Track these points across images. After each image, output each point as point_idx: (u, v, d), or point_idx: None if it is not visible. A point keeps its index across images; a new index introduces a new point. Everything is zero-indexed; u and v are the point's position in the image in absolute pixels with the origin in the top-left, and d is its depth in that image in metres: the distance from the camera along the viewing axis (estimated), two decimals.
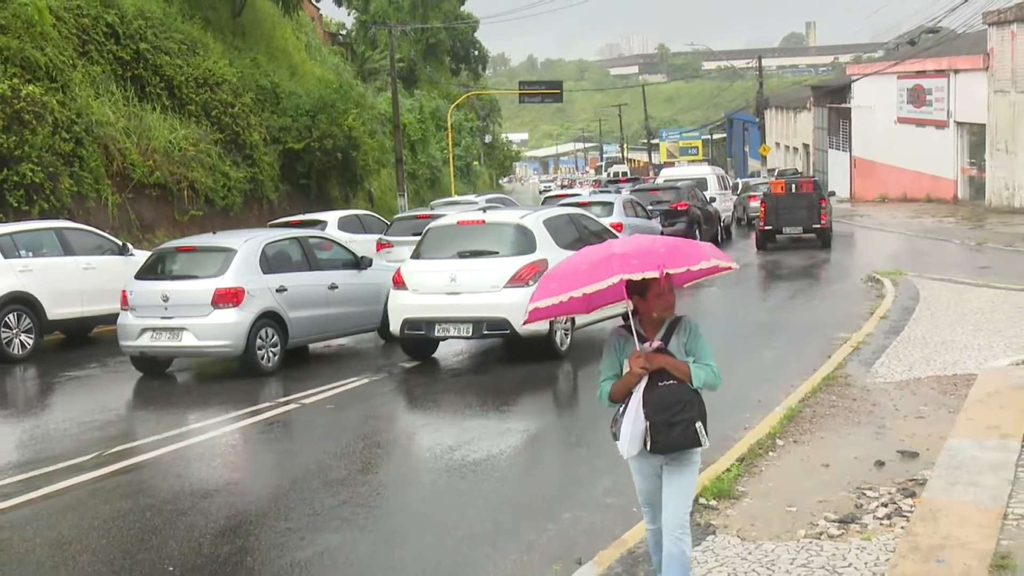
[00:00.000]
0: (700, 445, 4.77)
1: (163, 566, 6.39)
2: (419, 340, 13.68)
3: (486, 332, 13.13)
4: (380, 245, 20.00)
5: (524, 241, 13.55)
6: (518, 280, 12.82)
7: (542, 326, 12.62)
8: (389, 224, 23.11)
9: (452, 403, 11.36)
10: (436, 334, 13.33)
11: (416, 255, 14.17)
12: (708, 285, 20.25)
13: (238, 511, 7.54)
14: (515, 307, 11.98)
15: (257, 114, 33.59)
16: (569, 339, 13.55)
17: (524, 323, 5.11)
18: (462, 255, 13.72)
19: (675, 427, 4.65)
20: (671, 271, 4.43)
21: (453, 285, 13.13)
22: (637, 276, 4.42)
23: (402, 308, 13.46)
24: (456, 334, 13.27)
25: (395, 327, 13.51)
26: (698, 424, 4.72)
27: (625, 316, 4.83)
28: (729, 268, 4.74)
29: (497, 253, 13.59)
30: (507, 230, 14.02)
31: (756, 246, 29.09)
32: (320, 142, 34.58)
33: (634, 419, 4.62)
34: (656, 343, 4.71)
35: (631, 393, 4.69)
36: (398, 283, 13.71)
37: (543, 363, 12.90)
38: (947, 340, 12.45)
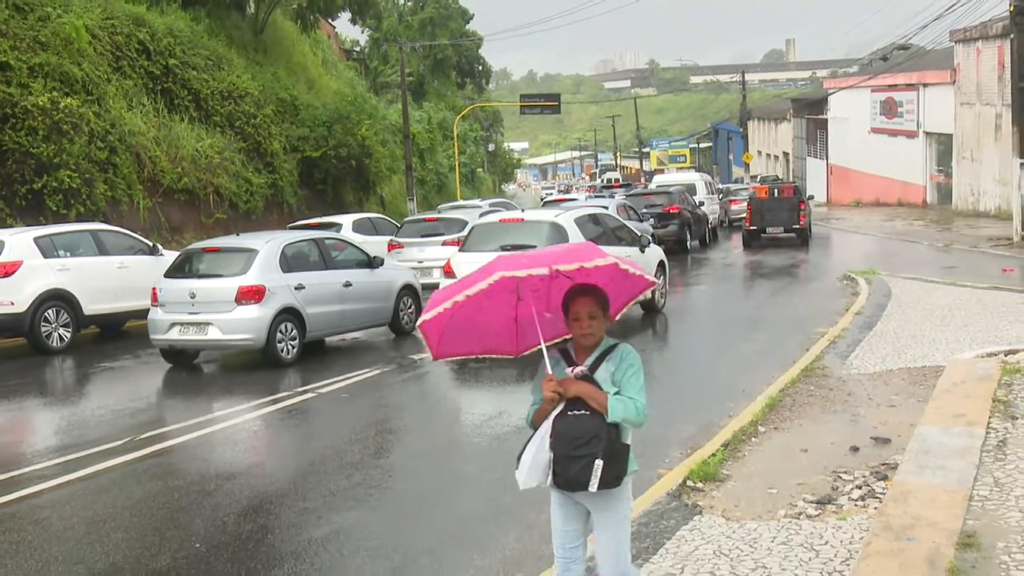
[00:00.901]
0: (609, 487, 3.98)
1: (190, 543, 6.40)
2: None
3: None
4: (391, 246, 20.02)
5: (558, 236, 14.03)
6: None
7: None
8: (399, 227, 23.11)
9: (459, 392, 11.38)
10: None
11: (463, 248, 14.83)
12: (695, 283, 20.23)
13: (259, 492, 7.55)
14: None
15: (277, 124, 33.61)
16: None
17: (418, 323, 4.23)
18: (504, 248, 13.95)
19: (575, 462, 3.92)
20: (561, 268, 3.87)
21: None
22: (522, 273, 3.88)
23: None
24: None
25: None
26: (598, 463, 3.90)
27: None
28: (651, 284, 4.24)
29: (535, 246, 13.43)
30: (543, 226, 14.62)
31: (743, 244, 29.51)
32: (336, 150, 34.63)
33: (537, 448, 3.99)
34: (580, 369, 4.07)
35: None
36: (448, 273, 14.19)
37: None
38: (917, 334, 12.45)
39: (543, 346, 4.08)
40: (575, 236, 14.10)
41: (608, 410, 3.94)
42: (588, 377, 4.04)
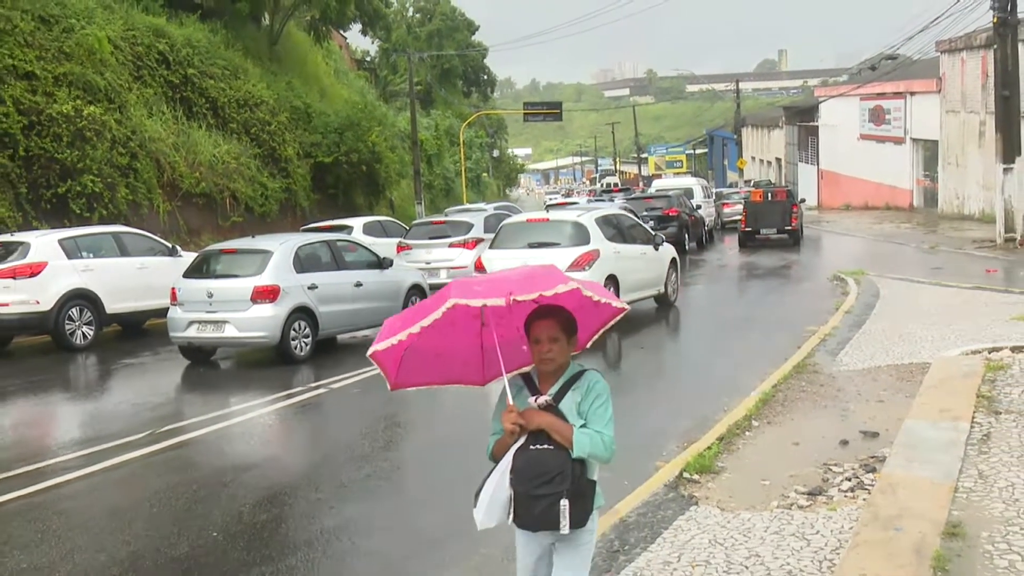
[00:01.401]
0: (577, 526, 3.51)
1: (208, 532, 6.40)
2: None
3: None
4: (400, 248, 20.02)
5: (580, 234, 14.73)
6: (577, 266, 13.97)
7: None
8: (408, 229, 23.09)
9: (465, 388, 11.37)
10: None
11: (493, 246, 15.54)
12: (693, 283, 20.20)
13: (274, 483, 7.56)
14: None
15: (291, 131, 33.65)
16: None
17: (369, 353, 3.72)
18: (531, 245, 14.89)
19: (538, 501, 3.45)
20: (519, 298, 3.36)
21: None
22: (476, 302, 3.39)
23: None
24: None
25: None
26: (563, 503, 3.42)
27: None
28: (620, 312, 3.78)
29: (559, 244, 14.76)
30: (567, 226, 15.19)
31: (738, 245, 29.94)
32: (347, 156, 34.65)
33: (496, 485, 3.53)
34: (544, 398, 3.60)
35: None
36: (479, 268, 15.10)
37: None
38: (904, 333, 12.42)
39: (504, 376, 3.64)
40: (596, 235, 14.74)
41: (573, 444, 3.47)
42: (552, 407, 3.58)
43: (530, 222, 16.13)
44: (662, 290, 16.48)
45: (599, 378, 3.69)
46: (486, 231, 19.12)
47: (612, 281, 14.49)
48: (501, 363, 3.62)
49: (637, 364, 12.19)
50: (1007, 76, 24.80)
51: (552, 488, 3.42)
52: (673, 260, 16.97)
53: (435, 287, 18.43)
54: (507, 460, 3.52)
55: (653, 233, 17.17)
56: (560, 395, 3.63)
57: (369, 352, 3.63)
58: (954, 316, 13.54)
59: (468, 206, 34.57)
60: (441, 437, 9.12)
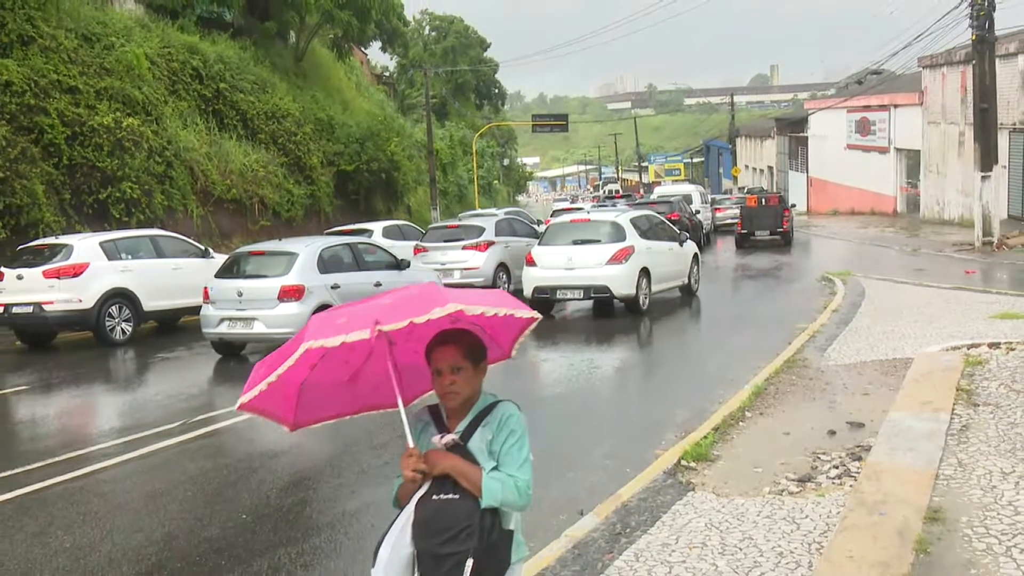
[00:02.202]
0: None
1: (238, 514, 6.42)
2: (545, 301, 15.69)
3: (592, 295, 15.54)
4: (417, 250, 20.02)
5: (617, 232, 15.85)
6: (615, 260, 15.34)
7: (630, 290, 15.33)
8: (424, 233, 23.06)
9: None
10: (557, 296, 15.78)
11: (542, 242, 16.63)
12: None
13: (299, 469, 7.57)
14: (613, 278, 15.23)
15: (315, 141, 33.71)
16: (645, 298, 15.82)
17: (237, 406, 3.11)
18: (575, 242, 16.05)
19: (442, 562, 2.77)
20: (385, 328, 2.68)
21: (569, 263, 15.59)
22: (334, 342, 2.68)
23: (533, 279, 15.88)
24: (571, 297, 15.78)
25: (527, 292, 15.75)
26: (470, 563, 2.73)
27: None
28: (532, 321, 3.03)
29: (599, 241, 15.91)
30: (606, 225, 16.31)
31: (735, 245, 30.42)
32: (367, 165, 34.69)
33: (396, 541, 2.84)
34: (450, 437, 2.92)
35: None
36: (530, 262, 16.12)
37: (551, 337, 12.86)
38: (888, 330, 12.39)
39: (401, 410, 3.00)
40: (631, 233, 15.86)
41: (482, 492, 2.80)
42: (460, 447, 2.90)
43: (574, 222, 17.12)
44: (686, 281, 17.75)
45: (514, 411, 2.99)
46: (497, 235, 19.25)
47: (645, 273, 15.75)
48: (398, 395, 2.97)
49: (637, 359, 12.18)
50: (985, 90, 24.71)
51: (456, 546, 2.75)
52: (695, 255, 18.18)
53: (450, 286, 18.56)
54: (408, 512, 2.86)
55: (678, 232, 18.23)
56: (469, 432, 2.94)
57: (237, 406, 3.03)
58: (935, 314, 13.50)
59: (480, 211, 34.58)
60: None
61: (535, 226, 22.47)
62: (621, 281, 15.25)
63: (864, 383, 9.36)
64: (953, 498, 5.48)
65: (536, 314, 3.06)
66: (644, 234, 16.25)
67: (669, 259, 16.90)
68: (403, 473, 2.88)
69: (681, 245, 17.39)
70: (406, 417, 2.99)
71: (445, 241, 19.57)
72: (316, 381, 3.12)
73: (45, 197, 21.33)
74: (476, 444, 2.91)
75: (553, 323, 15.44)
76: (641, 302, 15.51)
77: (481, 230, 19.41)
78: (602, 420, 8.79)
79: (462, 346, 2.94)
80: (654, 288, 16.06)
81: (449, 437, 2.94)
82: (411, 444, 2.92)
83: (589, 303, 16.78)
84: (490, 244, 18.98)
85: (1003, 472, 5.87)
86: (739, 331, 13.92)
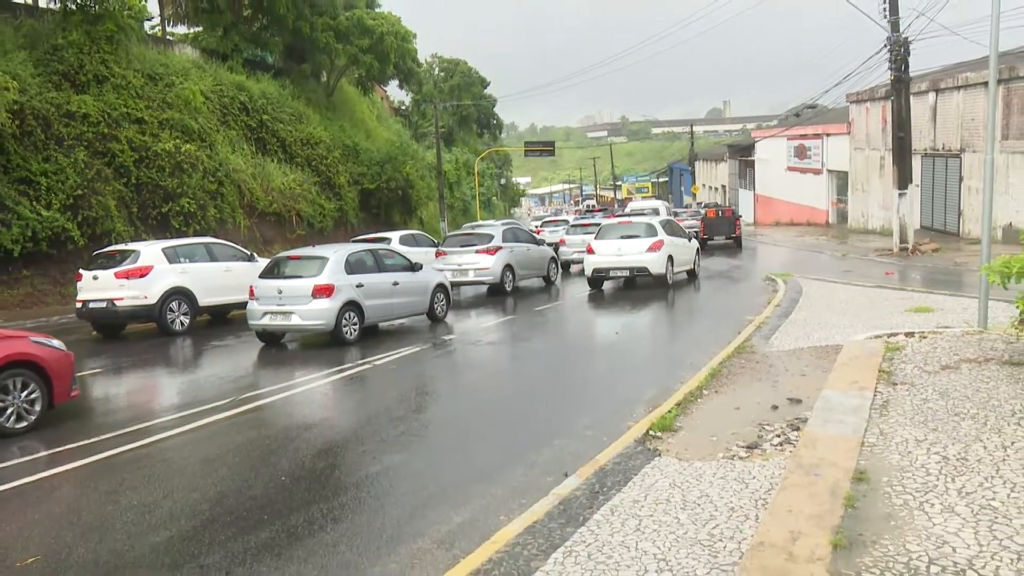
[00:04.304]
0: None
1: (278, 477, 6.40)
2: (600, 278, 18.68)
3: (635, 274, 18.47)
4: (439, 253, 20.08)
5: (651, 231, 18.66)
6: (651, 249, 18.21)
7: (661, 270, 18.20)
8: (445, 239, 22.56)
9: (480, 365, 11.36)
10: (609, 276, 18.59)
11: (598, 237, 18.93)
12: (655, 284, 20.16)
13: (329, 439, 7.56)
14: (650, 262, 18.13)
15: (343, 164, 33.68)
16: (671, 277, 18.65)
17: None
18: (623, 237, 18.65)
19: None
20: None
21: (619, 251, 18.33)
22: None
23: (592, 263, 18.50)
24: (620, 275, 18.57)
25: (588, 273, 18.64)
26: None
27: None
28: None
29: (639, 236, 18.56)
30: (643, 225, 19.18)
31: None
32: (387, 183, 34.69)
33: None
34: None
35: None
36: (589, 251, 18.69)
37: (550, 325, 12.84)
38: (822, 321, 12.41)
39: None
40: (660, 231, 18.58)
41: None
42: None
43: (620, 223, 19.79)
44: (691, 267, 20.47)
45: None
46: (504, 241, 19.51)
47: (670, 259, 18.56)
48: None
49: (613, 347, 12.17)
50: (901, 121, 24.77)
51: None
52: (697, 249, 21.03)
53: (464, 284, 19.04)
54: None
55: (687, 231, 21.15)
56: None
57: None
58: (861, 309, 13.52)
59: (481, 222, 34.55)
60: (460, 403, 9.12)
61: (535, 234, 22.46)
62: (656, 264, 18.21)
63: (802, 366, 9.37)
64: (876, 462, 5.48)
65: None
66: (668, 232, 19.01)
67: (684, 251, 19.82)
68: None
69: (689, 241, 20.40)
70: None
71: (461, 246, 19.69)
72: None
73: (117, 211, 21.28)
74: None
75: (558, 311, 15.44)
76: (668, 280, 18.51)
77: (491, 237, 19.59)
78: (582, 399, 8.78)
79: None
80: (675, 270, 18.93)
81: None
82: None
83: (582, 295, 16.80)
84: (498, 249, 19.15)
85: (917, 440, 5.88)
86: (698, 322, 13.94)
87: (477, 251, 19.13)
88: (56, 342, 8.57)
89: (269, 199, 27.49)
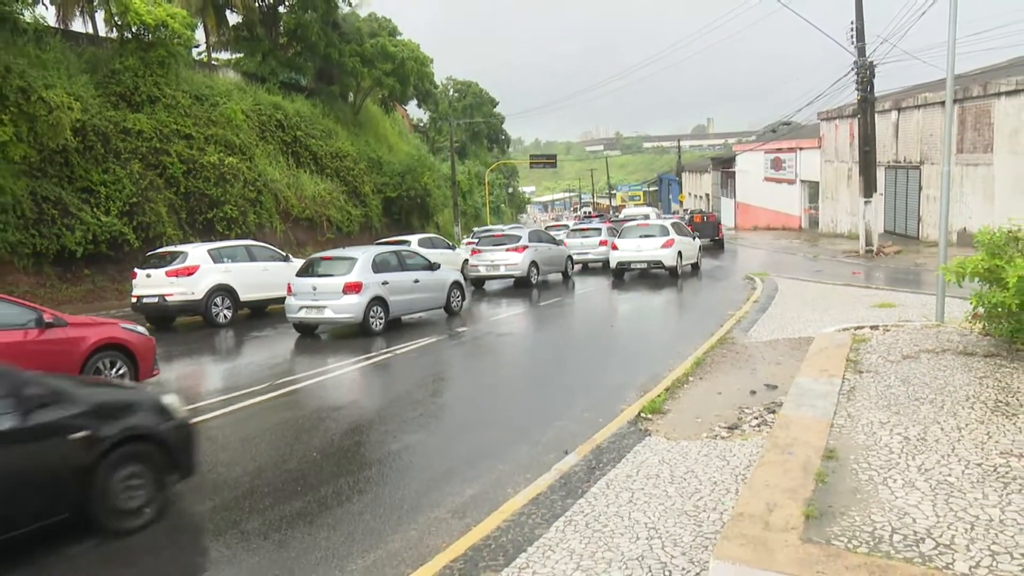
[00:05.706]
0: None
1: (310, 453, 6.42)
2: (622, 270, 19.80)
3: (651, 267, 19.60)
4: (474, 251, 20.25)
5: (664, 231, 19.81)
6: (665, 246, 19.43)
7: (673, 264, 19.28)
8: (479, 239, 22.01)
9: (492, 354, 11.36)
10: (631, 268, 19.66)
11: (620, 237, 20.13)
12: (644, 284, 20.08)
13: (355, 419, 7.57)
14: (664, 256, 19.35)
15: (368, 175, 33.70)
16: (680, 269, 19.82)
17: None
18: (641, 236, 19.78)
19: None
20: None
21: (638, 248, 19.52)
22: None
23: (616, 258, 19.77)
24: (639, 268, 19.68)
25: (612, 265, 19.86)
26: None
27: None
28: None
29: (655, 236, 19.71)
30: (658, 226, 20.28)
31: None
32: (407, 192, 34.69)
33: None
34: None
35: None
36: (613, 248, 19.99)
37: (554, 320, 12.81)
38: (795, 316, 12.36)
39: None
40: (671, 231, 19.74)
41: None
42: None
43: (639, 225, 20.65)
44: (695, 261, 21.50)
45: None
46: (530, 241, 20.11)
47: (679, 254, 19.68)
48: None
49: (608, 338, 12.16)
50: (867, 137, 24.64)
51: None
52: (700, 246, 22.20)
53: (495, 278, 19.54)
54: None
55: (692, 232, 22.32)
56: None
57: None
58: (830, 304, 13.46)
59: (491, 227, 34.55)
60: (473, 388, 9.12)
61: (554, 237, 22.57)
62: (668, 259, 19.36)
63: (777, 356, 9.34)
64: (844, 441, 5.46)
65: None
66: (678, 232, 20.22)
67: (690, 248, 20.84)
68: None
69: (694, 239, 21.44)
70: None
71: (494, 245, 20.02)
72: None
73: (167, 216, 21.36)
74: None
75: (560, 307, 15.41)
76: (678, 271, 19.71)
77: (519, 237, 20.19)
78: (583, 382, 8.77)
79: None
80: (683, 263, 20.07)
81: None
82: None
83: (583, 290, 16.77)
84: (525, 247, 19.68)
85: (880, 422, 5.84)
86: (685, 316, 13.91)
87: (508, 249, 19.70)
88: (141, 328, 8.69)
89: (302, 206, 27.52)
